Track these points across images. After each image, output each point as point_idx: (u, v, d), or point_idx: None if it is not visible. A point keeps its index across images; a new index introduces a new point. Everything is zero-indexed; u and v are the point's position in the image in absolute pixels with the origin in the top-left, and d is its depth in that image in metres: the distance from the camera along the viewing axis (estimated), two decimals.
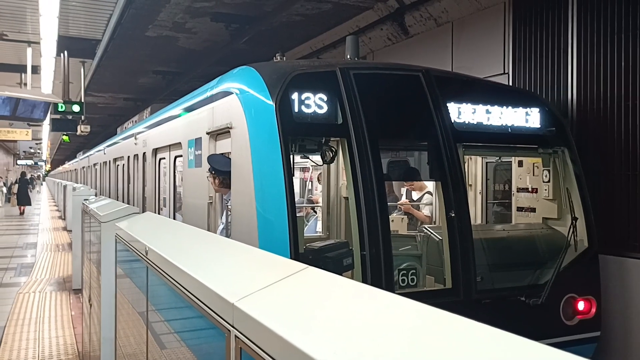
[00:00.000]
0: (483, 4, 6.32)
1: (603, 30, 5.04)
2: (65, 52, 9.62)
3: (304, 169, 5.54)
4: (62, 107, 9.89)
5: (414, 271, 4.18)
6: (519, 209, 5.15)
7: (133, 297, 2.82)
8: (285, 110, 3.74)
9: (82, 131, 13.97)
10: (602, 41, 5.04)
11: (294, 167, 3.98)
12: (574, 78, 5.31)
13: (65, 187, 18.89)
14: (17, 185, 22.44)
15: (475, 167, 5.76)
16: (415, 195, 6.13)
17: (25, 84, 10.07)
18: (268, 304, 1.09)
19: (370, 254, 3.70)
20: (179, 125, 5.98)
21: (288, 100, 3.77)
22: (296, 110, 3.79)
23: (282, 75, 3.88)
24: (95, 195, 8.40)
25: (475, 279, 4.00)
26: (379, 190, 3.83)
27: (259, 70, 4.06)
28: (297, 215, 3.80)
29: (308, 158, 4.77)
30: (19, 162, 42.75)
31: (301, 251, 3.68)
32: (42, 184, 63.73)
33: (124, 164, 9.57)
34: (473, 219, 4.90)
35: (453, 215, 4.03)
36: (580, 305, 4.36)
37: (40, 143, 31.81)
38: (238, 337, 1.08)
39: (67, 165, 34.40)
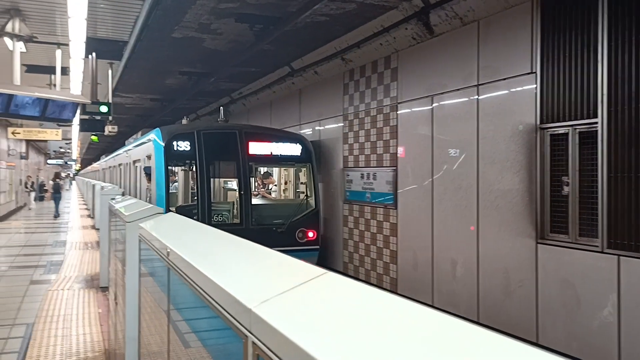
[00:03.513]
0: (510, 2, 6.20)
1: (635, 28, 4.90)
2: (94, 54, 9.78)
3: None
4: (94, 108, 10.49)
5: (225, 214, 9.27)
6: (298, 192, 11.00)
7: (156, 296, 2.84)
8: (168, 149, 8.88)
9: (109, 131, 14.21)
10: (635, 39, 4.91)
11: (171, 172, 9.73)
12: (604, 77, 5.18)
13: (94, 186, 19.22)
14: (52, 183, 24.42)
15: (288, 172, 11.43)
16: (271, 186, 11.80)
17: (55, 85, 10.27)
18: (286, 310, 1.07)
19: (201, 209, 8.81)
20: (139, 150, 11.89)
21: (170, 145, 8.89)
22: (174, 149, 8.92)
23: (169, 133, 9.07)
24: (123, 194, 8.50)
25: (251, 217, 9.08)
26: (207, 181, 9.00)
27: (161, 130, 9.28)
28: (171, 192, 9.45)
29: (181, 167, 9.74)
30: (49, 161, 43.70)
31: (172, 208, 8.75)
32: (71, 183, 65.13)
33: (122, 167, 16.47)
34: (291, 196, 11.12)
35: (242, 192, 9.15)
36: (309, 234, 9.52)
37: (70, 143, 32.45)
38: (255, 344, 1.07)
39: (94, 166, 39.11)
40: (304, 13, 7.55)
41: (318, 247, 9.62)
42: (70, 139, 29.25)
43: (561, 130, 5.68)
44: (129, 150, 14.37)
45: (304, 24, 8.33)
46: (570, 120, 5.57)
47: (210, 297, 1.44)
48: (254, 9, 7.78)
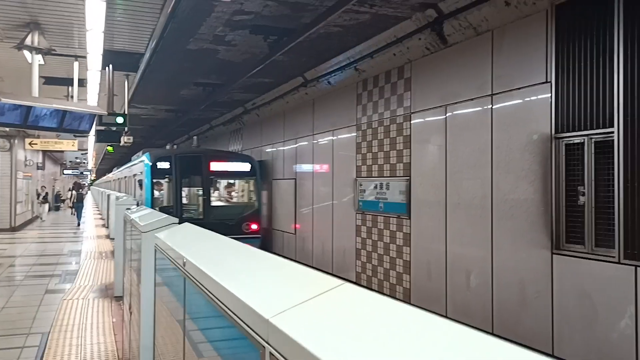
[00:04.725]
0: (524, 12, 6.19)
1: None
2: (110, 66, 9.91)
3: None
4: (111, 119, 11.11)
5: (193, 212, 13.55)
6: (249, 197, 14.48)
7: (171, 306, 2.85)
8: (154, 167, 13.15)
9: (125, 142, 14.35)
10: None
11: (156, 183, 13.39)
12: (621, 85, 5.14)
13: (108, 196, 19.42)
14: (71, 192, 28.18)
15: (244, 183, 14.72)
16: (233, 193, 14.85)
17: (72, 97, 10.42)
18: (303, 321, 1.07)
19: (175, 208, 12.78)
20: (136, 167, 16.08)
21: (155, 164, 13.16)
22: (157, 167, 13.17)
23: (155, 157, 13.40)
24: (137, 204, 8.61)
25: (210, 214, 13.21)
26: (180, 189, 13.21)
27: (150, 154, 13.57)
28: (156, 197, 13.26)
29: (163, 180, 13.35)
30: (65, 171, 44.19)
31: (156, 208, 11.40)
32: (86, 193, 65.72)
33: (127, 178, 20.23)
34: (243, 200, 14.67)
35: (205, 197, 13.35)
36: (252, 226, 13.55)
37: (86, 153, 32.79)
38: (272, 355, 1.07)
39: (108, 176, 41.05)
40: (318, 24, 7.60)
41: (259, 236, 13.68)
42: (86, 150, 29.57)
43: (576, 140, 5.64)
44: (130, 166, 19.46)
45: (318, 34, 8.38)
46: (585, 129, 5.52)
47: (226, 307, 1.45)
48: (268, 20, 7.85)
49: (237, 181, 14.68)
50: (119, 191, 21.97)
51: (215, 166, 13.61)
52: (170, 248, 2.64)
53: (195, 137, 18.31)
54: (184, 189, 13.63)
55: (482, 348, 0.85)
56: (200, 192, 13.59)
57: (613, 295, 5.20)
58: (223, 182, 14.72)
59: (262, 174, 14.51)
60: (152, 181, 13.06)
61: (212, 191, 13.95)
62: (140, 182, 14.02)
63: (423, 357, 0.84)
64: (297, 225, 12.87)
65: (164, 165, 13.15)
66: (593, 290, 5.41)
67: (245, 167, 13.97)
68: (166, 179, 13.35)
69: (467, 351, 0.85)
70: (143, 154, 14.40)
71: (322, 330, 1.02)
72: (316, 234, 11.78)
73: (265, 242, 14.49)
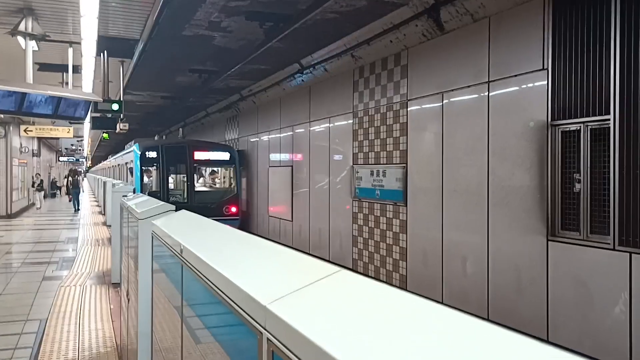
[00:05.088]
0: None
1: None
2: (105, 52, 9.83)
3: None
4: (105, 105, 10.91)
5: (178, 196, 14.81)
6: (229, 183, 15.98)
7: (168, 292, 2.86)
8: (143, 156, 14.54)
9: (121, 129, 14.30)
10: None
11: (145, 170, 14.81)
12: (617, 73, 5.14)
13: (105, 183, 19.41)
14: (68, 179, 29.20)
15: (225, 170, 16.40)
16: (216, 179, 16.87)
17: (67, 84, 10.35)
18: (301, 308, 1.08)
19: (161, 192, 14.03)
20: (127, 155, 18.29)
21: (144, 153, 14.57)
22: (147, 156, 14.57)
23: (144, 147, 14.82)
24: (134, 191, 8.63)
25: (194, 198, 14.50)
26: (167, 176, 14.86)
27: (139, 143, 15.22)
28: (145, 182, 14.60)
29: (151, 167, 14.76)
30: (61, 158, 44.03)
31: (145, 192, 12.64)
32: (83, 179, 65.60)
33: (120, 166, 21.87)
34: (224, 186, 16.40)
35: (189, 183, 14.73)
36: (232, 209, 14.85)
37: (82, 140, 32.68)
38: (270, 340, 1.08)
39: (104, 163, 41.72)
40: (314, 10, 7.55)
41: (238, 217, 14.98)
42: (82, 137, 29.45)
43: (573, 127, 5.65)
44: (123, 155, 21.40)
45: (314, 21, 8.33)
46: (581, 116, 5.53)
47: (224, 293, 1.46)
48: (264, 6, 7.80)
49: (218, 169, 16.52)
50: (113, 178, 23.48)
51: (198, 155, 15.03)
52: (167, 235, 2.65)
53: (181, 129, 21.70)
54: (170, 175, 15.42)
55: (477, 334, 0.86)
56: (185, 179, 15.06)
57: (607, 281, 5.25)
58: (205, 170, 16.64)
59: (241, 162, 16.12)
60: (141, 168, 14.54)
61: (195, 177, 15.46)
62: (131, 170, 15.72)
63: (420, 343, 0.85)
64: (294, 212, 12.90)
65: (152, 154, 14.62)
66: (588, 276, 5.45)
67: (225, 156, 15.45)
68: (154, 167, 14.80)
69: (463, 337, 0.86)
70: (134, 144, 15.83)
71: (319, 316, 1.03)
72: (312, 221, 11.81)
73: (262, 229, 14.87)
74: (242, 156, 16.34)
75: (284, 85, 12.90)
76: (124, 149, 23.04)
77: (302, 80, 11.91)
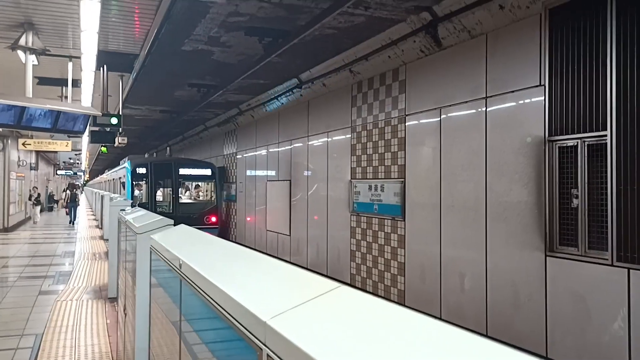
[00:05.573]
0: (518, 16, 6.24)
1: None
2: (105, 67, 9.89)
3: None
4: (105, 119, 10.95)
5: (165, 207, 16.33)
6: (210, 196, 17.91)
7: (166, 307, 2.85)
8: (134, 172, 16.51)
9: (119, 143, 14.32)
10: None
11: (136, 185, 17.02)
12: (614, 89, 5.18)
13: (102, 196, 19.37)
14: (66, 192, 28.94)
15: (207, 185, 18.70)
16: (200, 193, 19.19)
17: (66, 97, 10.38)
18: (302, 323, 1.08)
19: (150, 204, 15.88)
20: (120, 171, 21.00)
21: (135, 169, 16.54)
22: (137, 172, 16.54)
23: (135, 163, 16.79)
24: (132, 206, 8.60)
25: (178, 209, 16.23)
26: (155, 190, 16.73)
27: (131, 160, 17.44)
28: (136, 195, 16.88)
29: (141, 182, 16.98)
30: (58, 172, 43.98)
31: (136, 204, 13.32)
32: (81, 193, 65.51)
33: (115, 180, 23.30)
34: (206, 198, 18.70)
35: (174, 196, 16.50)
36: (212, 219, 16.59)
37: (80, 154, 32.68)
38: (270, 357, 1.08)
39: (102, 177, 41.53)
40: (313, 26, 7.62)
41: (217, 227, 16.58)
42: (80, 150, 29.46)
43: (570, 143, 5.68)
44: (117, 170, 23.27)
45: (313, 37, 8.40)
46: (579, 132, 5.56)
47: (223, 309, 1.46)
48: (263, 22, 7.86)
49: (200, 183, 18.92)
50: (109, 191, 25.36)
51: (182, 171, 17.02)
52: (166, 250, 2.64)
53: (168, 148, 26.31)
54: (158, 189, 17.22)
55: (476, 350, 0.86)
56: (171, 192, 16.92)
57: (606, 297, 5.24)
58: (189, 184, 19.30)
59: (220, 177, 18.63)
60: (132, 183, 16.55)
61: (180, 191, 17.56)
62: (124, 184, 18.18)
63: (418, 359, 0.86)
64: (292, 227, 12.88)
65: (142, 170, 16.57)
66: (586, 292, 5.44)
67: (207, 172, 17.52)
68: (144, 181, 16.85)
69: (461, 353, 0.86)
70: (127, 160, 18.01)
71: (319, 332, 1.03)
72: (311, 236, 11.79)
73: (260, 244, 14.77)
74: (241, 167, 17.67)
75: (282, 100, 12.96)
76: (119, 164, 24.84)
77: (301, 95, 11.97)
